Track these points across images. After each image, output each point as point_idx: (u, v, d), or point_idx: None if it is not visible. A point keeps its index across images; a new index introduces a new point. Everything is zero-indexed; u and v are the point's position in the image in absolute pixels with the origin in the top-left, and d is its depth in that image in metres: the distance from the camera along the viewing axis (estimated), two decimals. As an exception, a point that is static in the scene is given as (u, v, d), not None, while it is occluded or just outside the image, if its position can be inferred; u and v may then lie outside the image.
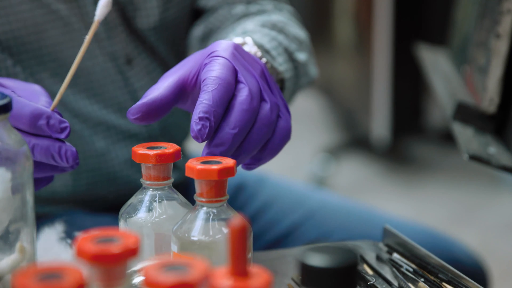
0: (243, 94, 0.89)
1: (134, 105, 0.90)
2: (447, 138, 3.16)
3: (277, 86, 0.95)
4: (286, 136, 0.93)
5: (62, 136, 0.88)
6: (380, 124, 3.04)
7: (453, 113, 1.29)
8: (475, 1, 1.41)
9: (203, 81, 0.89)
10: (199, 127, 0.86)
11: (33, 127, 0.87)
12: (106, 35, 1.17)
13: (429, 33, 2.93)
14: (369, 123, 3.07)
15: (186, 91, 0.92)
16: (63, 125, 0.88)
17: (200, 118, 0.86)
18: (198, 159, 0.86)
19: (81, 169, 1.19)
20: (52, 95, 1.14)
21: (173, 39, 1.25)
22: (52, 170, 0.90)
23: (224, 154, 0.87)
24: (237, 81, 0.90)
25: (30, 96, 0.91)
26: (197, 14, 1.27)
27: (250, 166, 0.93)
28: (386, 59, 2.97)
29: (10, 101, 0.81)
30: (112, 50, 1.18)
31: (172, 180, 0.90)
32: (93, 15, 1.15)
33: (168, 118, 1.23)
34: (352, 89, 3.32)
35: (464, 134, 1.24)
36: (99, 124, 1.18)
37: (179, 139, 1.28)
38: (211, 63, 0.91)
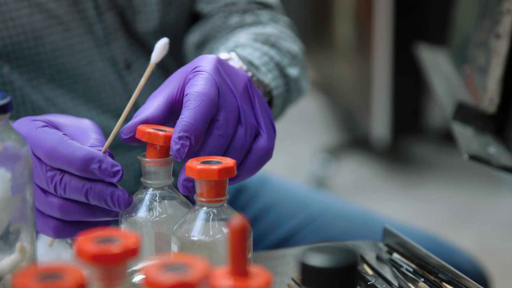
0: (219, 118, 0.89)
1: (126, 125, 0.90)
2: (447, 138, 3.16)
3: (262, 100, 0.94)
4: (265, 156, 0.92)
5: (115, 180, 0.87)
6: (380, 124, 3.04)
7: (453, 113, 1.29)
8: (475, 1, 1.41)
9: (185, 96, 0.88)
10: (178, 146, 0.85)
11: (85, 171, 0.87)
12: (105, 39, 1.16)
13: (429, 33, 2.93)
14: (369, 123, 3.07)
15: (176, 109, 0.91)
16: (115, 169, 0.87)
17: (180, 138, 0.85)
18: (198, 159, 0.86)
19: None
20: (50, 101, 1.14)
21: (172, 43, 1.24)
22: (106, 215, 0.90)
23: (187, 152, 0.86)
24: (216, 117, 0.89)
25: (80, 134, 0.91)
26: (193, 18, 1.27)
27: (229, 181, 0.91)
28: (386, 59, 2.97)
29: (10, 101, 0.81)
30: (112, 54, 1.17)
31: (172, 179, 0.90)
32: (94, 20, 1.15)
33: None
34: (352, 89, 3.32)
35: (464, 134, 1.24)
36: None
37: None
38: (194, 77, 0.90)
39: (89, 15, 1.14)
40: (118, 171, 0.87)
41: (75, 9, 1.13)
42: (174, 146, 0.85)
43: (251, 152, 0.91)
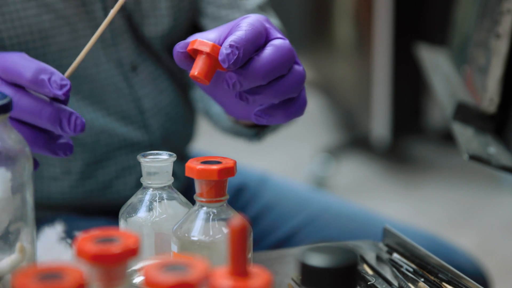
0: (286, 40, 0.91)
1: (184, 41, 0.91)
2: (447, 138, 3.16)
3: None
4: (302, 79, 0.93)
5: (60, 92, 0.87)
6: (380, 124, 3.04)
7: (453, 113, 1.29)
8: (475, 1, 1.41)
9: (237, 27, 0.90)
10: (228, 51, 0.87)
11: (34, 81, 0.87)
12: (112, 41, 1.17)
13: (429, 33, 2.93)
14: (369, 123, 3.07)
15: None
16: (63, 82, 0.87)
17: (231, 46, 0.87)
18: (198, 159, 0.86)
19: (77, 177, 1.18)
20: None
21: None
22: (46, 146, 0.89)
23: (235, 60, 0.87)
24: (274, 39, 0.91)
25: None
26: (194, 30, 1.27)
27: (259, 117, 0.93)
28: (386, 59, 2.97)
29: (10, 101, 0.82)
30: (118, 56, 1.17)
31: (172, 179, 0.90)
32: (102, 21, 1.15)
33: (170, 127, 1.23)
34: (352, 89, 3.31)
35: (464, 134, 1.24)
36: (102, 132, 1.18)
37: (181, 148, 1.28)
38: (245, 18, 0.91)
39: (97, 16, 1.14)
40: (66, 85, 0.87)
41: (83, 10, 1.13)
42: (225, 51, 0.87)
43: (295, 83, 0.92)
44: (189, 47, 0.89)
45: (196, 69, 0.88)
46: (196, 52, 0.89)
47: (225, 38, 0.90)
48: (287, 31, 1.27)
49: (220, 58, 0.86)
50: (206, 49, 0.88)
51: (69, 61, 1.14)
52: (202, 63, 0.88)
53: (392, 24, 2.94)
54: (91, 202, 1.20)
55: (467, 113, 1.28)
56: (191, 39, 0.90)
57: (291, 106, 0.93)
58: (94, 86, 1.16)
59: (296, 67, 0.91)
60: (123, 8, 1.16)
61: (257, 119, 0.93)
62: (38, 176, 1.17)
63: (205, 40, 0.88)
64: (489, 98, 1.22)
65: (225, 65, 0.86)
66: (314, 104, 3.78)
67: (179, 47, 0.90)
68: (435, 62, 1.64)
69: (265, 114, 0.92)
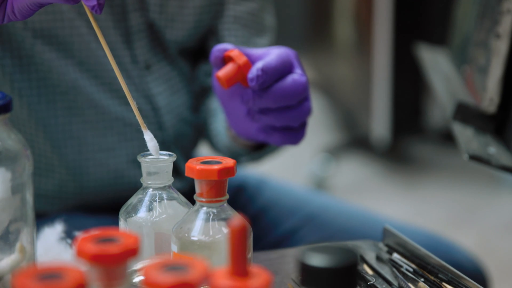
0: (304, 77, 1.00)
1: (223, 45, 1.01)
2: (447, 138, 3.16)
3: None
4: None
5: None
6: (380, 124, 3.04)
7: (453, 113, 1.29)
8: (475, 1, 1.41)
9: (268, 54, 0.99)
10: (259, 73, 0.97)
11: None
12: (128, 38, 1.20)
13: (429, 33, 2.93)
14: (369, 123, 3.07)
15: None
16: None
17: (262, 69, 0.97)
18: (198, 159, 0.86)
19: (89, 163, 1.20)
20: (72, 84, 1.18)
21: (191, 54, 1.27)
22: None
23: (261, 83, 0.97)
24: (295, 72, 1.00)
25: None
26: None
27: (259, 133, 1.03)
28: (386, 59, 2.97)
29: (10, 101, 0.82)
30: (133, 53, 1.21)
31: (172, 179, 0.90)
32: (119, 17, 1.18)
33: (182, 127, 1.26)
34: (352, 89, 3.31)
35: (464, 134, 1.24)
36: (116, 119, 1.20)
37: (189, 149, 1.30)
38: (276, 48, 1.01)
39: (116, 12, 1.18)
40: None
41: (105, 2, 1.16)
42: (256, 72, 0.97)
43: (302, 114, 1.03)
44: (227, 53, 0.99)
45: (223, 72, 0.97)
46: (229, 59, 0.99)
47: (255, 59, 1.00)
48: (287, 31, 1.28)
49: (249, 76, 0.97)
50: (240, 61, 0.98)
51: (92, 46, 1.18)
52: (230, 70, 0.98)
53: (392, 24, 2.94)
54: (102, 192, 1.21)
55: (467, 113, 1.28)
56: (230, 47, 1.00)
57: (289, 134, 1.03)
58: (114, 76, 1.19)
59: (305, 103, 1.02)
60: (144, 9, 1.20)
61: (257, 134, 1.03)
62: (49, 164, 1.18)
63: (242, 54, 0.98)
64: (489, 98, 1.22)
65: (252, 84, 0.96)
66: (314, 104, 3.77)
67: (217, 49, 1.00)
68: (435, 62, 1.64)
69: (264, 132, 1.03)
